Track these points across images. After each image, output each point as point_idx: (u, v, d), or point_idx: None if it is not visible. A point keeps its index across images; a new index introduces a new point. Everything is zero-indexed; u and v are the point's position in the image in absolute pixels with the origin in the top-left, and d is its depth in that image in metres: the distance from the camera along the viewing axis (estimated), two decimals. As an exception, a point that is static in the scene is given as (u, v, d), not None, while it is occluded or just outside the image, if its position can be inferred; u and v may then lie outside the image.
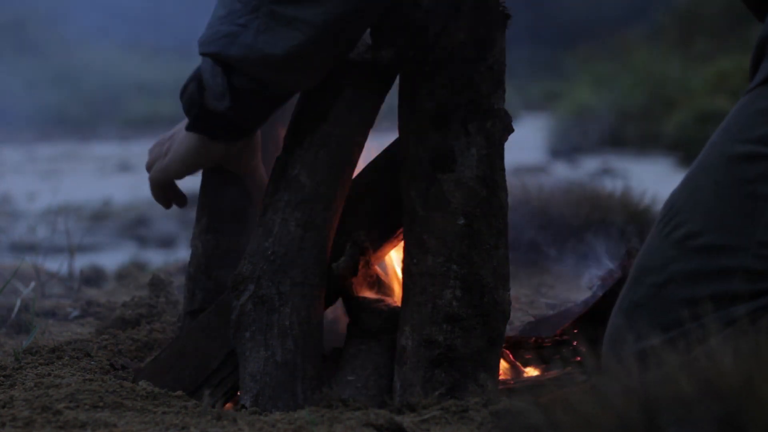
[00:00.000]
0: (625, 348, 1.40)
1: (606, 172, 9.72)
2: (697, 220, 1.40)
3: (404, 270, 1.61)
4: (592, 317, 1.76)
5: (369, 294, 1.69)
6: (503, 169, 1.62)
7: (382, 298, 1.69)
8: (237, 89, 1.53)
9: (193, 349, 1.68)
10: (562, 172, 9.86)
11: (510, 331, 1.76)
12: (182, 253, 5.10)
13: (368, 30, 1.59)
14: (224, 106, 1.53)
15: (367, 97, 1.64)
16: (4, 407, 1.51)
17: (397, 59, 1.58)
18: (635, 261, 1.46)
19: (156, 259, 4.66)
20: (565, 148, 13.23)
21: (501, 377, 1.69)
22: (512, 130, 1.61)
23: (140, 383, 1.61)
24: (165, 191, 1.71)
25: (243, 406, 1.60)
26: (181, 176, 1.69)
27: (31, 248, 3.93)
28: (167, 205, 1.74)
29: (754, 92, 1.42)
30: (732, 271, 1.37)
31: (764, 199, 1.36)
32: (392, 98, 1.67)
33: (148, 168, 1.72)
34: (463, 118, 1.57)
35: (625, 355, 1.38)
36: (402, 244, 1.63)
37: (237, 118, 1.57)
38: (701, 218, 1.40)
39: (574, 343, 1.76)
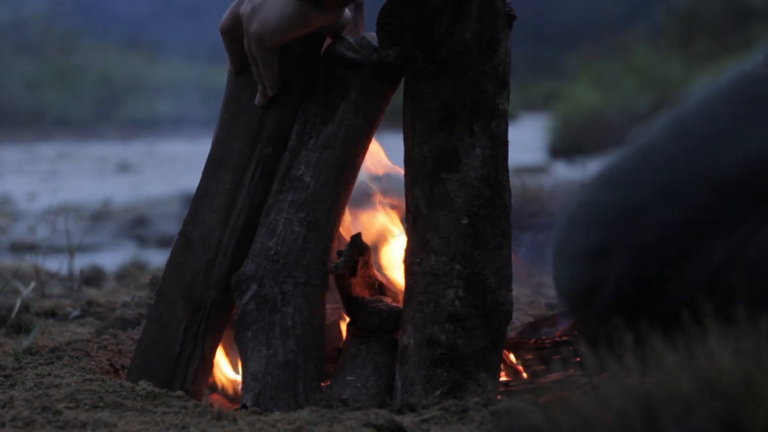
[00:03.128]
0: (567, 246, 1.40)
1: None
2: (698, 124, 1.38)
3: (407, 269, 1.61)
4: (592, 317, 1.75)
5: (368, 294, 1.69)
6: (507, 170, 1.62)
7: (381, 298, 1.69)
8: None
9: (154, 346, 1.69)
10: (562, 172, 9.86)
11: (510, 331, 1.76)
12: (182, 253, 5.09)
13: (374, 30, 1.59)
14: None
15: (373, 98, 1.65)
16: (4, 407, 1.51)
17: (403, 59, 1.58)
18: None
19: (156, 259, 4.66)
20: (565, 148, 13.24)
21: (501, 378, 1.69)
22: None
23: (140, 383, 1.62)
24: (275, 59, 1.60)
25: (244, 406, 1.60)
26: (276, 45, 1.59)
27: (31, 248, 3.93)
28: (275, 82, 1.61)
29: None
30: (700, 174, 1.35)
31: None
32: (396, 98, 1.67)
33: (225, 29, 1.62)
34: (468, 118, 1.57)
35: (565, 255, 1.39)
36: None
37: None
38: (702, 122, 1.38)
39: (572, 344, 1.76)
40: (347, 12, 1.64)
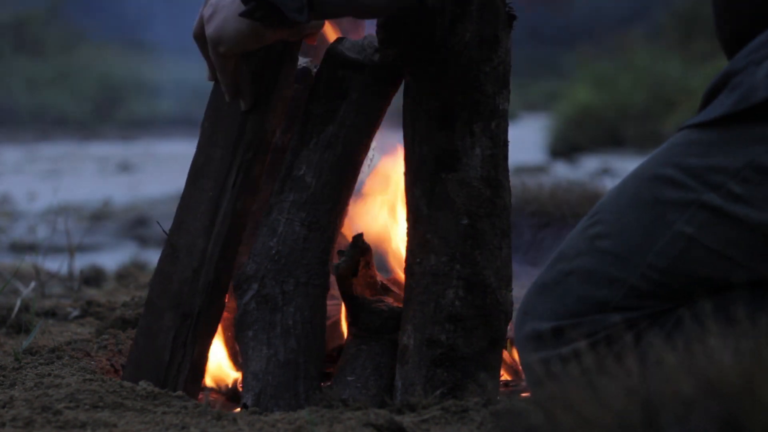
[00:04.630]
0: (525, 325, 1.46)
1: (606, 172, 9.73)
2: (610, 223, 1.45)
3: (407, 269, 1.61)
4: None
5: (369, 294, 1.69)
6: (507, 170, 1.62)
7: (382, 298, 1.69)
8: (322, 3, 1.47)
9: (144, 356, 1.69)
10: (562, 172, 9.87)
11: (510, 331, 1.76)
12: (182, 253, 5.09)
13: (374, 30, 1.59)
14: (303, 18, 1.46)
15: (374, 99, 1.65)
16: (4, 407, 1.51)
17: (403, 58, 1.58)
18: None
19: (156, 259, 4.66)
20: (565, 148, 13.25)
21: (501, 378, 1.69)
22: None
23: (140, 383, 1.62)
24: (230, 65, 1.61)
25: (245, 405, 1.60)
26: (231, 54, 1.59)
27: (31, 248, 3.93)
28: (233, 87, 1.62)
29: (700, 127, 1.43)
30: (618, 281, 1.42)
31: (668, 226, 1.41)
32: (396, 98, 1.67)
33: (197, 34, 1.61)
34: (468, 118, 1.57)
35: (523, 333, 1.46)
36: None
37: (306, 20, 1.49)
38: (613, 222, 1.45)
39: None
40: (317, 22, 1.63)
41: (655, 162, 1.45)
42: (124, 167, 12.66)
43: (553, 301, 1.45)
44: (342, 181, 1.64)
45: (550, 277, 1.47)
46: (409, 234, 1.61)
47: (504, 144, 1.61)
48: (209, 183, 1.67)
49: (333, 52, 1.65)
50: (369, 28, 1.80)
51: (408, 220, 1.62)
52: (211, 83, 1.68)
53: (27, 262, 3.16)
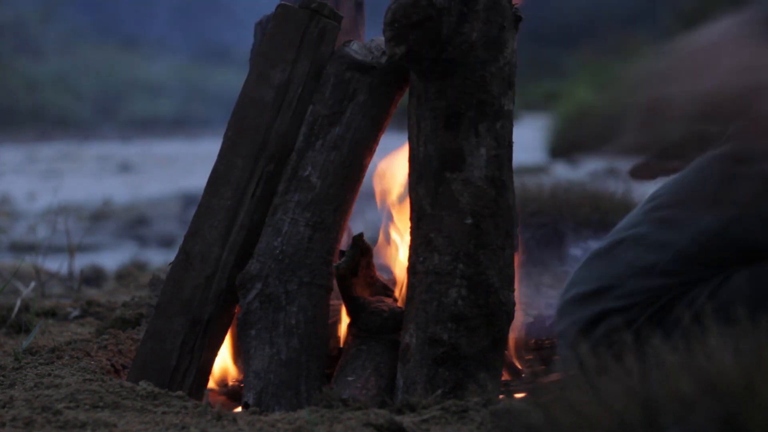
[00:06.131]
0: (569, 292, 1.53)
1: (606, 172, 9.73)
2: (668, 196, 1.51)
3: (410, 268, 1.61)
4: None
5: (369, 294, 1.69)
6: (511, 171, 1.63)
7: (383, 298, 1.69)
8: None
9: (151, 358, 1.69)
10: (562, 172, 9.87)
11: (510, 331, 1.76)
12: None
13: (382, 32, 1.60)
14: None
15: (381, 101, 1.66)
16: (4, 407, 1.51)
17: (409, 58, 1.58)
18: None
19: (156, 259, 4.66)
20: (564, 148, 13.23)
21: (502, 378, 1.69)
22: None
23: (140, 383, 1.62)
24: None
25: (246, 403, 1.60)
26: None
27: (31, 248, 3.93)
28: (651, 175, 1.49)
29: None
30: (669, 245, 1.47)
31: (726, 195, 1.43)
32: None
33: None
34: (474, 118, 1.58)
35: (565, 298, 1.53)
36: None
37: None
38: (672, 194, 1.50)
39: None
40: None
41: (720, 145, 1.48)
42: (124, 167, 12.66)
43: (601, 267, 1.51)
44: (347, 183, 1.65)
45: (603, 247, 1.51)
46: (412, 233, 1.61)
47: (509, 145, 1.61)
48: (228, 192, 1.68)
49: (341, 53, 1.65)
50: (370, 30, 1.80)
51: (411, 218, 1.62)
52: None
53: (27, 262, 3.16)
